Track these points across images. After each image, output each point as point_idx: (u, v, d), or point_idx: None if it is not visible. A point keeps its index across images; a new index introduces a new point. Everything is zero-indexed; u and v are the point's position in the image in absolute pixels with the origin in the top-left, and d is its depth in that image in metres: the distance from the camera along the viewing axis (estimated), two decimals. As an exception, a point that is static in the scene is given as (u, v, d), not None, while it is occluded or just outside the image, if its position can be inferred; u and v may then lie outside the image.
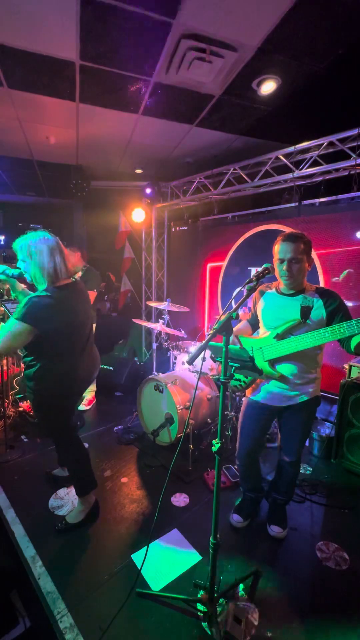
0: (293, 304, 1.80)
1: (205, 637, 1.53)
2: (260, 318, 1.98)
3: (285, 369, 1.84)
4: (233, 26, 1.96)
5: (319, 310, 1.76)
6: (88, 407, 3.84)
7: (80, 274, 3.71)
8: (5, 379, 3.25)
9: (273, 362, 1.86)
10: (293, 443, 2.00)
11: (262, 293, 1.98)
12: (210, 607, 1.54)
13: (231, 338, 1.94)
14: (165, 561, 1.90)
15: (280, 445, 2.09)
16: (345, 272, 1.56)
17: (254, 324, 2.04)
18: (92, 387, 3.94)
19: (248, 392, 2.03)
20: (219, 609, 1.60)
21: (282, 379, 1.85)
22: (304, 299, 1.79)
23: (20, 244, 1.79)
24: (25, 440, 3.10)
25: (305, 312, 1.76)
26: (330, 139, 2.91)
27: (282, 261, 1.77)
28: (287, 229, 3.45)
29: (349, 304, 2.96)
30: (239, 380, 2.01)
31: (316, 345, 1.69)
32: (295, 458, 2.02)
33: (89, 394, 3.89)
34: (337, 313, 1.74)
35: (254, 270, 3.93)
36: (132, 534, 2.10)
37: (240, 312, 3.98)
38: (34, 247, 1.78)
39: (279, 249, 1.79)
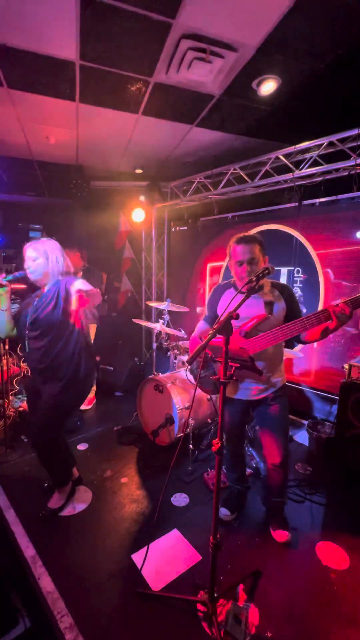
0: (255, 301, 1.83)
1: (205, 637, 1.53)
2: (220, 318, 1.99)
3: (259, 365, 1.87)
4: (233, 26, 1.96)
5: (279, 305, 1.85)
6: (89, 407, 3.85)
7: (80, 274, 3.72)
8: (5, 379, 3.25)
9: None
10: (276, 441, 2.00)
11: (220, 292, 2.03)
12: (210, 607, 1.54)
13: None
14: (165, 561, 1.90)
15: (265, 453, 2.06)
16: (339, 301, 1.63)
17: (212, 323, 2.07)
18: (93, 387, 3.95)
19: (227, 393, 2.03)
20: (219, 609, 1.60)
21: (261, 376, 1.88)
22: (264, 295, 1.85)
23: (34, 245, 1.99)
24: (25, 440, 3.10)
25: (269, 306, 1.82)
26: (330, 139, 2.91)
27: (240, 263, 1.84)
28: (287, 229, 3.46)
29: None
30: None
31: (288, 338, 1.75)
32: (281, 458, 2.00)
33: (90, 393, 3.91)
34: (291, 305, 1.87)
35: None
36: (132, 534, 2.10)
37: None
38: (49, 247, 2.01)
39: (235, 251, 1.85)
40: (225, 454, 2.22)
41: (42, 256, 1.99)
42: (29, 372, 2.22)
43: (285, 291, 1.90)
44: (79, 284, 1.91)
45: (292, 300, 1.90)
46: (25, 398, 3.64)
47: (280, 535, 2.04)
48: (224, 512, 2.20)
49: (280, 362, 2.00)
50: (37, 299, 2.05)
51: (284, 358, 2.06)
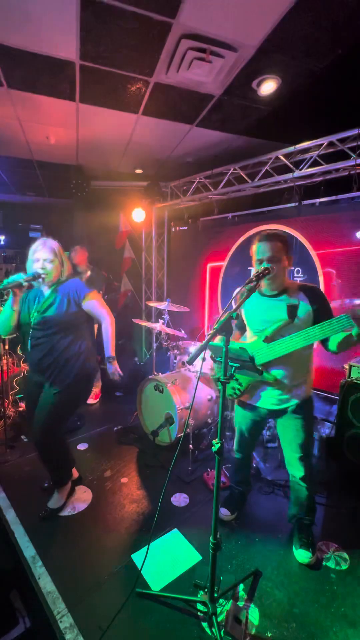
0: (278, 305, 1.77)
1: (205, 637, 1.53)
2: (245, 322, 1.94)
3: (277, 373, 1.81)
4: (233, 26, 1.96)
5: (305, 308, 1.74)
6: (95, 401, 3.90)
7: (89, 273, 3.74)
8: (5, 379, 3.25)
9: (266, 367, 1.82)
10: (296, 455, 1.90)
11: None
12: (210, 607, 1.54)
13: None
14: (165, 561, 1.91)
15: (286, 464, 2.00)
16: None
17: (242, 327, 2.01)
18: (98, 382, 3.98)
19: (245, 398, 2.00)
20: (219, 609, 1.60)
21: (276, 382, 1.82)
22: (288, 298, 1.77)
23: (47, 246, 2.02)
24: (25, 440, 3.10)
25: (292, 311, 1.73)
26: (330, 139, 2.91)
27: (260, 262, 1.74)
28: (287, 229, 3.45)
29: (357, 301, 2.97)
30: (234, 388, 1.99)
31: (307, 345, 1.68)
32: (303, 473, 1.90)
33: (96, 387, 3.95)
34: (321, 310, 1.73)
35: (254, 270, 3.92)
36: (132, 534, 2.10)
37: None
38: (58, 248, 2.05)
39: (256, 249, 1.77)
40: (234, 456, 2.21)
41: (57, 258, 2.03)
42: (29, 372, 2.21)
43: (313, 294, 1.77)
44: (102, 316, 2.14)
45: (322, 304, 1.75)
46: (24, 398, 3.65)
47: (302, 556, 1.91)
48: (223, 512, 2.20)
49: (306, 371, 1.86)
50: (38, 298, 2.06)
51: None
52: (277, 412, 1.90)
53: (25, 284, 1.93)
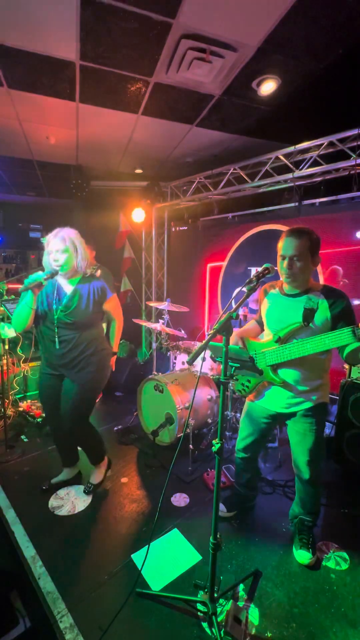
0: (296, 306, 1.70)
1: (205, 638, 1.53)
2: (264, 319, 1.89)
3: (288, 374, 1.76)
4: (233, 26, 1.96)
5: (323, 313, 1.66)
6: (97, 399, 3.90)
7: (100, 272, 3.72)
8: (5, 379, 3.25)
9: (275, 368, 1.77)
10: (303, 458, 1.85)
11: (266, 293, 1.89)
12: (210, 607, 1.54)
13: (235, 339, 1.89)
14: (166, 561, 1.90)
15: (293, 465, 1.96)
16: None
17: (262, 324, 1.95)
18: None
19: (251, 396, 1.99)
20: (219, 609, 1.60)
21: (284, 385, 1.77)
22: (308, 300, 1.68)
23: (60, 234, 1.99)
24: (25, 440, 3.10)
25: (308, 314, 1.65)
26: (330, 139, 2.91)
27: (283, 258, 1.68)
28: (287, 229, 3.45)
29: (356, 302, 2.95)
30: (242, 384, 1.97)
31: (317, 352, 1.60)
32: (309, 476, 1.85)
33: None
34: (341, 316, 1.63)
35: (254, 270, 3.93)
36: (132, 534, 2.10)
37: (240, 312, 3.99)
38: (75, 237, 2.03)
39: (282, 244, 1.69)
40: (237, 457, 2.17)
41: (70, 247, 1.99)
42: (45, 367, 2.24)
43: (334, 298, 1.67)
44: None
45: (342, 309, 1.64)
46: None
47: (303, 557, 1.88)
48: (220, 507, 2.14)
49: (319, 375, 1.76)
50: (57, 295, 2.07)
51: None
52: (286, 415, 1.85)
53: (45, 282, 1.97)
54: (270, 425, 1.98)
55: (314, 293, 1.71)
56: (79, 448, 2.51)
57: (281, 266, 1.70)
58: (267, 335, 1.86)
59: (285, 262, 1.67)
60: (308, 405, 1.78)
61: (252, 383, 1.92)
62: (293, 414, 1.83)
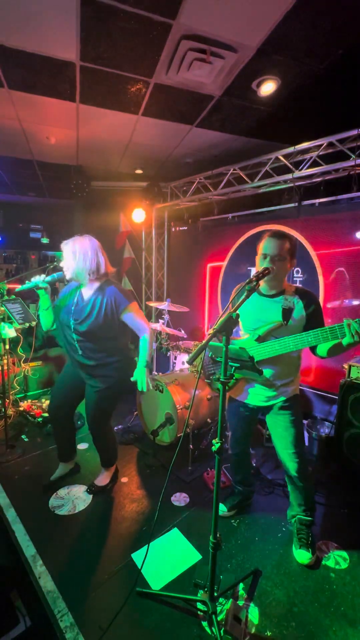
0: (274, 306, 1.79)
1: (205, 637, 1.54)
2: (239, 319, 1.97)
3: (266, 371, 1.83)
4: (233, 27, 1.96)
5: (299, 312, 1.77)
6: None
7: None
8: (6, 379, 3.25)
9: (257, 365, 1.85)
10: (287, 451, 1.92)
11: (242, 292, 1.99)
12: (210, 606, 1.54)
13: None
14: (165, 560, 1.91)
15: (281, 462, 2.00)
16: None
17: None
18: None
19: (231, 393, 2.03)
20: (218, 608, 1.61)
21: (264, 381, 1.86)
22: (284, 301, 1.78)
23: (66, 243, 2.02)
24: (25, 439, 3.11)
25: (287, 314, 1.75)
26: (330, 140, 2.92)
27: (265, 257, 1.74)
28: (287, 230, 3.46)
29: (355, 302, 2.99)
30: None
31: (298, 349, 1.70)
32: (297, 467, 1.91)
33: None
34: (314, 316, 1.77)
35: (253, 271, 3.93)
36: (132, 533, 2.11)
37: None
38: (78, 245, 2.02)
39: (264, 244, 1.77)
40: (230, 454, 2.21)
41: (70, 255, 2.02)
42: (70, 363, 2.30)
43: (308, 299, 1.79)
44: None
45: (315, 310, 1.78)
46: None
47: (302, 556, 1.90)
48: (221, 507, 2.18)
49: (294, 371, 1.91)
50: (76, 302, 2.11)
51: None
52: (265, 408, 1.96)
53: (42, 286, 2.07)
54: (252, 417, 2.07)
55: (289, 293, 1.82)
56: (78, 447, 2.52)
57: (261, 264, 1.78)
58: (243, 334, 1.95)
59: (267, 261, 1.74)
60: (282, 398, 1.90)
61: (232, 382, 1.98)
62: (271, 407, 1.94)
